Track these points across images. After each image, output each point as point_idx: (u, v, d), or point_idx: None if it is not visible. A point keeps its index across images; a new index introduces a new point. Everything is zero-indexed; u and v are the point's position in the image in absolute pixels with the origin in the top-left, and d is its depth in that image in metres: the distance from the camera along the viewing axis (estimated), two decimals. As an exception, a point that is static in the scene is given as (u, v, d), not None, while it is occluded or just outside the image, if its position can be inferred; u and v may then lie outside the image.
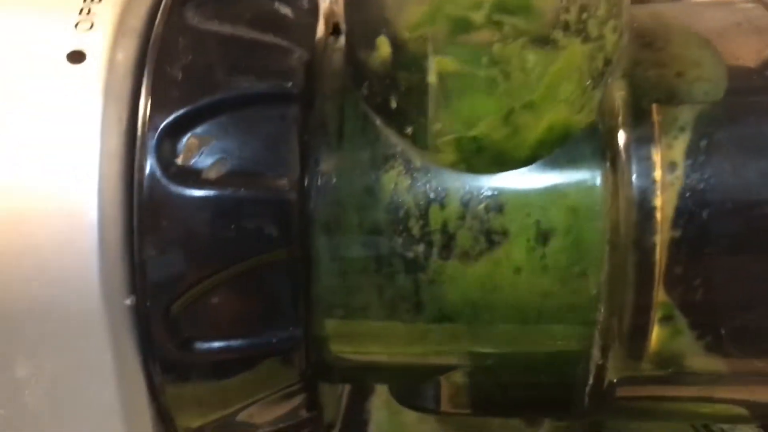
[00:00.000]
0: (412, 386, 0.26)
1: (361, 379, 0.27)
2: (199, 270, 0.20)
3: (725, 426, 0.32)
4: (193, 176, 0.20)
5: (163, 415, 0.22)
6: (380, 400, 0.34)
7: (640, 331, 0.22)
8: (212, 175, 0.20)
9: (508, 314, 0.23)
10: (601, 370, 0.23)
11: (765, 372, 0.23)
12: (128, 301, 0.20)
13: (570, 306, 0.22)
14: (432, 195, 0.22)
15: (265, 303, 0.21)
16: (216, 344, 0.21)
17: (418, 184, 0.23)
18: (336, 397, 0.28)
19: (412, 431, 0.32)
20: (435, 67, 0.21)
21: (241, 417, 0.23)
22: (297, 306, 0.22)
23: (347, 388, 0.35)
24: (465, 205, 0.22)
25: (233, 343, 0.21)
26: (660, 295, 0.21)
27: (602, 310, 0.22)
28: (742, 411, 0.25)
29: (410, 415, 0.33)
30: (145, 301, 0.20)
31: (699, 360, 0.22)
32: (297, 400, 0.24)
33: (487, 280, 0.22)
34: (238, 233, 0.20)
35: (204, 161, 0.20)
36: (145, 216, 0.20)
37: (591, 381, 0.23)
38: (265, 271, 0.21)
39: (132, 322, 0.21)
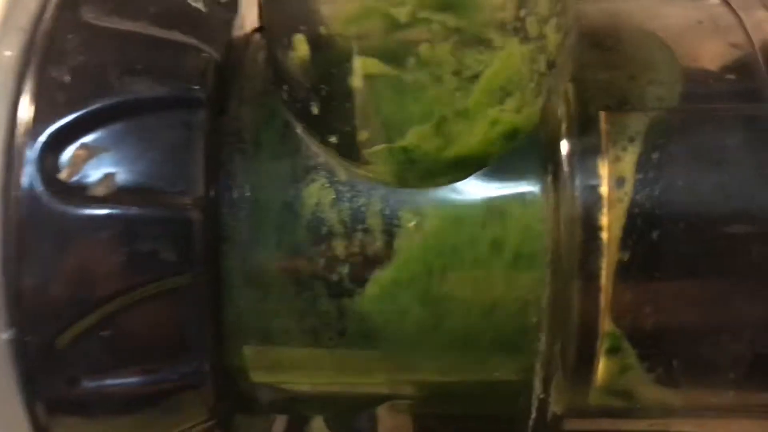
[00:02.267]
0: (346, 417, 0.24)
1: (288, 410, 0.25)
2: (87, 300, 0.18)
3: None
4: (79, 193, 0.18)
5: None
6: (321, 424, 0.32)
7: (585, 364, 0.20)
8: (100, 191, 0.18)
9: (440, 342, 0.21)
10: (543, 403, 0.21)
11: (719, 405, 0.21)
12: (6, 335, 0.18)
13: (508, 334, 0.20)
14: (358, 212, 0.20)
15: (166, 334, 0.19)
16: (109, 381, 0.18)
17: (343, 199, 0.20)
18: (266, 426, 0.26)
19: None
20: (360, 68, 0.19)
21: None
22: (203, 336, 0.19)
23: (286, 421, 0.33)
24: (394, 223, 0.20)
25: (129, 380, 0.18)
26: (606, 324, 0.19)
27: (543, 340, 0.20)
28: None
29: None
30: (25, 334, 0.18)
31: (650, 393, 0.20)
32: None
33: (418, 305, 0.20)
34: (131, 258, 0.18)
35: (92, 175, 0.18)
36: (23, 238, 0.18)
37: (534, 414, 0.21)
38: (163, 299, 0.18)
39: (12, 358, 0.18)
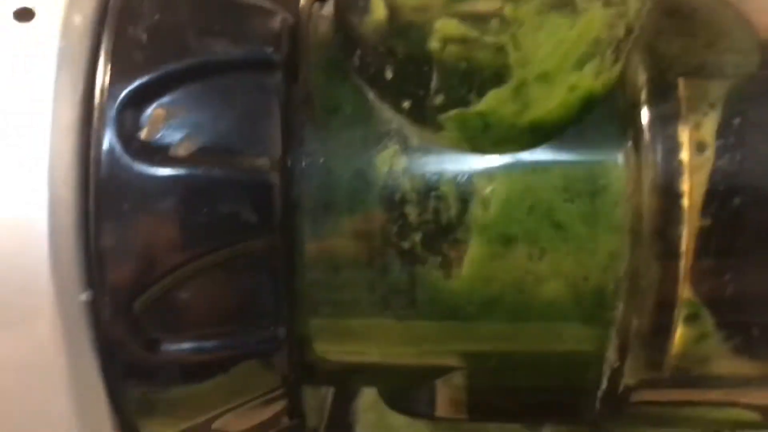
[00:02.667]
0: (405, 389, 0.24)
1: (349, 381, 0.25)
2: (167, 261, 0.18)
3: None
4: (159, 153, 0.17)
5: (126, 426, 0.20)
6: (367, 402, 0.31)
7: (662, 332, 0.20)
8: (181, 151, 0.18)
9: (514, 311, 0.20)
10: (616, 373, 0.21)
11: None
12: (84, 297, 0.18)
13: (585, 303, 0.20)
14: (431, 178, 0.20)
15: (243, 299, 0.18)
16: (186, 345, 0.18)
17: (416, 165, 0.20)
18: (320, 399, 0.26)
19: (401, 436, 0.30)
20: (440, 30, 0.19)
21: (216, 426, 0.20)
22: (279, 302, 0.19)
23: (332, 389, 0.33)
24: (468, 189, 0.20)
25: (206, 344, 0.18)
26: (685, 291, 0.19)
27: (620, 308, 0.20)
28: (755, 417, 0.23)
29: (399, 418, 0.31)
30: (103, 296, 0.18)
31: (726, 363, 0.20)
32: (277, 407, 0.21)
33: (492, 274, 0.20)
34: (212, 219, 0.17)
35: (172, 136, 0.18)
36: (103, 198, 0.17)
37: (604, 385, 0.21)
38: (242, 262, 0.18)
39: (89, 321, 0.18)
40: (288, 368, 0.20)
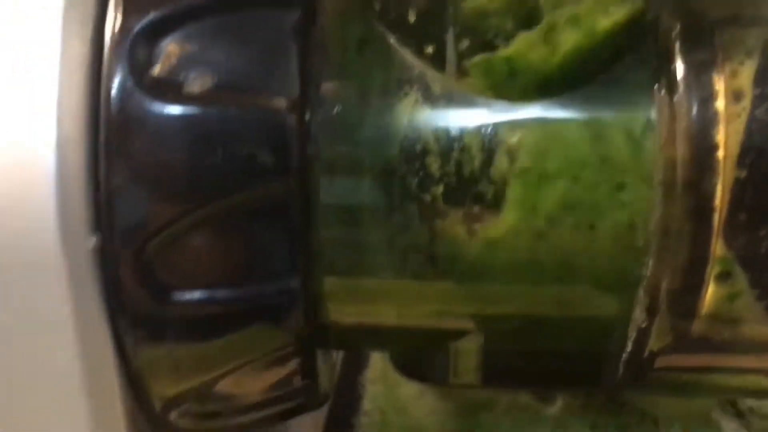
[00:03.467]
0: (418, 354, 0.23)
1: (361, 344, 0.24)
2: (180, 204, 0.17)
3: (753, 404, 0.29)
4: (173, 89, 0.17)
5: (133, 380, 0.19)
6: (375, 374, 0.31)
7: (693, 291, 0.19)
8: (196, 88, 0.17)
9: (538, 270, 0.20)
10: (643, 335, 0.20)
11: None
12: (92, 242, 0.17)
13: (613, 260, 0.19)
14: (455, 127, 0.19)
15: (258, 247, 0.17)
16: (198, 294, 0.17)
17: (439, 114, 0.19)
18: (330, 365, 0.25)
19: (410, 407, 0.29)
20: (465, -28, 0.18)
21: (226, 384, 0.20)
22: (295, 254, 0.18)
23: (340, 359, 0.32)
24: (493, 140, 0.19)
25: (218, 293, 0.17)
26: (718, 247, 0.18)
27: (650, 265, 0.19)
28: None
29: (408, 390, 0.30)
30: (112, 241, 0.17)
31: (757, 324, 0.19)
32: (290, 367, 0.20)
33: (516, 230, 0.19)
34: (227, 160, 0.17)
35: (186, 72, 0.17)
36: (114, 136, 0.17)
37: (629, 348, 0.20)
38: (258, 209, 0.17)
39: (96, 266, 0.17)
40: (302, 324, 0.19)
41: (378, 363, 0.31)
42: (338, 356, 0.31)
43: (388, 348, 0.23)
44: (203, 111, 0.17)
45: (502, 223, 0.19)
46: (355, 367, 0.31)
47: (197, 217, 0.17)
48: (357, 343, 0.23)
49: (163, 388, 0.19)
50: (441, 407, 0.29)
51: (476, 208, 0.19)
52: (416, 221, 0.20)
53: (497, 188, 0.19)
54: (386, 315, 0.22)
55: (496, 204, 0.19)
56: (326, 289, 0.20)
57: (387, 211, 0.19)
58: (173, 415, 0.20)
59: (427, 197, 0.19)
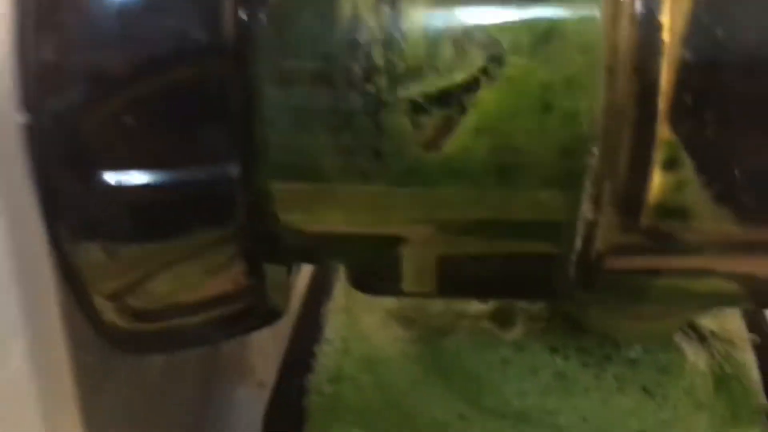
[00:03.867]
0: (370, 265, 0.23)
1: (311, 254, 0.24)
2: (111, 79, 0.16)
3: (715, 328, 0.29)
4: (103, -39, 0.16)
5: (68, 273, 0.18)
6: (338, 306, 0.30)
7: (639, 179, 0.19)
8: (127, -39, 0.16)
9: (486, 166, 0.19)
10: (591, 230, 0.20)
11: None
12: (20, 119, 0.17)
13: (559, 150, 0.19)
14: (401, 16, 0.19)
15: (193, 129, 0.17)
16: (129, 177, 0.17)
17: (384, 2, 0.19)
18: (285, 283, 0.25)
19: (373, 335, 0.29)
20: None
21: (165, 280, 0.19)
22: (234, 141, 0.18)
23: (303, 294, 0.32)
24: (440, 29, 0.19)
25: (151, 177, 0.17)
26: (664, 131, 0.18)
27: (596, 154, 0.19)
28: (740, 289, 0.22)
29: (371, 319, 0.30)
30: (42, 118, 0.17)
31: (706, 214, 0.19)
32: (235, 267, 0.20)
33: (463, 122, 0.19)
34: (158, 33, 0.16)
35: (117, -56, 0.16)
36: (42, 8, 0.16)
37: (579, 247, 0.20)
38: (193, 87, 0.17)
39: (25, 146, 0.17)
40: (244, 220, 0.19)
41: (341, 294, 0.31)
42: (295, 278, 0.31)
43: (339, 258, 0.23)
44: (134, -18, 0.16)
45: (448, 115, 0.19)
46: (317, 298, 0.31)
47: (129, 93, 0.17)
48: (306, 253, 0.23)
49: (99, 283, 0.19)
50: (403, 335, 0.29)
51: (421, 99, 0.19)
52: (360, 114, 0.19)
53: (443, 78, 0.19)
54: (333, 220, 0.21)
55: (441, 95, 0.19)
56: (271, 189, 0.20)
57: (330, 103, 0.19)
58: (111, 312, 0.19)
59: (371, 88, 0.19)
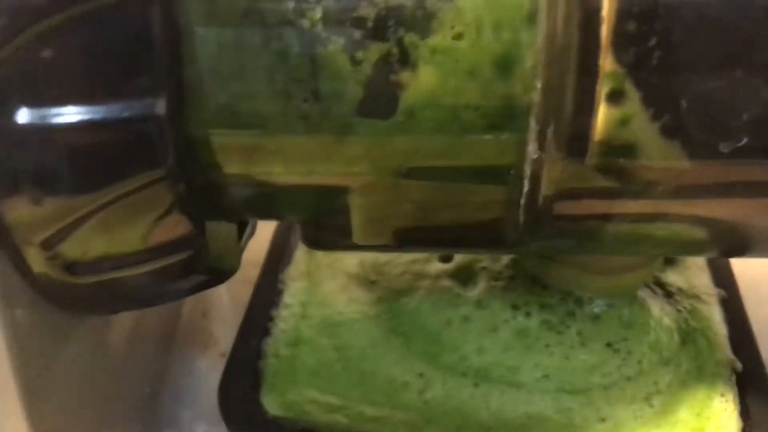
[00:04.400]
0: (319, 218, 0.22)
1: (258, 208, 0.23)
2: (25, 9, 0.16)
3: (682, 284, 0.28)
4: None
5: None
6: (298, 271, 0.30)
7: (584, 112, 0.18)
8: None
9: (422, 102, 0.19)
10: (537, 168, 0.19)
11: (728, 172, 0.19)
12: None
13: (501, 85, 0.18)
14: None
15: (114, 60, 0.16)
16: (50, 114, 0.16)
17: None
18: (232, 240, 0.24)
19: (332, 299, 0.28)
20: None
21: (96, 228, 0.18)
22: (159, 74, 0.17)
23: (263, 262, 0.31)
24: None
25: (76, 112, 0.16)
26: (608, 62, 0.17)
27: (538, 87, 0.18)
28: (700, 233, 0.21)
29: (331, 285, 0.29)
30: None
31: (654, 150, 0.18)
32: (171, 217, 0.19)
33: (399, 58, 0.18)
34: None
35: None
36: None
37: (526, 188, 0.20)
38: (111, 17, 0.16)
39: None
40: (174, 162, 0.18)
41: (302, 260, 0.30)
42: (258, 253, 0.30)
43: (286, 212, 0.22)
44: None
45: (386, 49, 0.18)
46: (277, 264, 0.30)
47: (44, 25, 0.16)
48: (252, 206, 0.22)
49: (27, 232, 0.18)
50: (363, 297, 0.28)
51: (357, 34, 0.18)
52: (295, 51, 0.19)
53: (379, 11, 0.18)
54: (276, 170, 0.20)
55: (377, 29, 0.18)
56: (209, 137, 0.19)
57: (262, 39, 0.18)
58: (42, 265, 0.19)
59: (305, 22, 0.18)
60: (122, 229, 0.19)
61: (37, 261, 0.19)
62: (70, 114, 0.17)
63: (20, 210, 0.18)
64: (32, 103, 0.16)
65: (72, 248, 0.19)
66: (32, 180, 0.17)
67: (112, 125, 0.17)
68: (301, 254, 0.30)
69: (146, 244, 0.19)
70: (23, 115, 0.16)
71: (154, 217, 0.19)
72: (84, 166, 0.17)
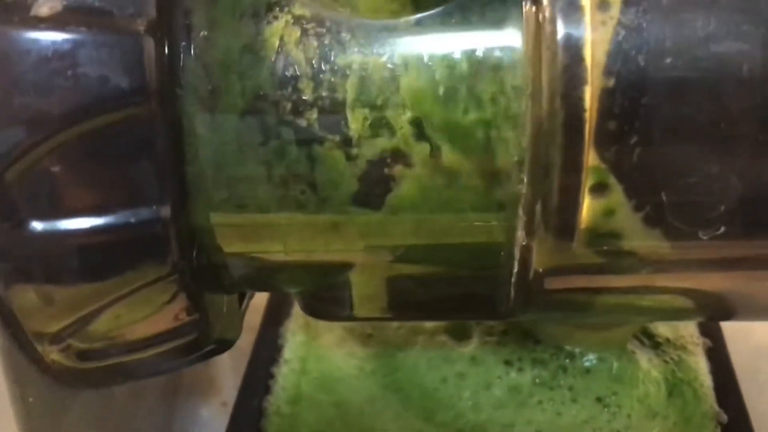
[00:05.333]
0: (319, 291, 0.23)
1: (260, 284, 0.24)
2: (33, 129, 0.16)
3: (669, 335, 0.29)
4: (20, 12, 0.16)
5: (7, 319, 0.18)
6: (297, 325, 0.31)
7: (569, 205, 0.19)
8: (44, 11, 0.16)
9: (414, 194, 0.19)
10: (526, 254, 0.20)
11: (708, 253, 0.20)
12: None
13: (489, 178, 0.19)
14: (327, 50, 0.19)
15: (121, 172, 0.17)
16: (60, 224, 0.17)
17: (310, 37, 0.19)
18: (233, 311, 0.25)
19: (330, 353, 0.29)
20: None
21: (106, 320, 0.19)
22: (164, 182, 0.18)
23: (262, 315, 0.32)
24: (366, 63, 0.19)
25: (80, 221, 0.17)
26: (591, 158, 0.18)
27: (525, 180, 0.19)
28: (686, 303, 0.22)
29: (329, 338, 0.30)
30: (-33, 170, 0.17)
31: (638, 237, 0.19)
32: (175, 303, 0.20)
33: (391, 155, 0.19)
34: (78, 83, 0.16)
35: (34, -6, 0.16)
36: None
37: (516, 269, 0.20)
38: (118, 134, 0.17)
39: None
40: (179, 257, 0.19)
41: (300, 314, 0.31)
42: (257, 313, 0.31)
43: (287, 285, 0.23)
44: (52, 35, 0.16)
45: (381, 151, 0.19)
46: (276, 318, 0.31)
47: (53, 143, 0.17)
48: (254, 282, 0.23)
49: (39, 326, 0.19)
50: (360, 351, 0.29)
51: (352, 132, 0.19)
52: (293, 148, 0.19)
53: (373, 112, 0.19)
54: (274, 251, 0.21)
55: (372, 130, 0.19)
56: (210, 223, 0.20)
57: (262, 138, 0.19)
58: (55, 354, 0.19)
59: (302, 122, 0.19)
60: (130, 321, 0.20)
61: (49, 351, 0.19)
62: (76, 222, 0.17)
63: (29, 306, 0.18)
64: (41, 215, 0.17)
65: (83, 340, 0.19)
66: (41, 281, 0.18)
67: (118, 230, 0.18)
68: (299, 308, 0.31)
69: (154, 330, 0.20)
70: (33, 225, 0.17)
71: (160, 307, 0.20)
72: (89, 269, 0.18)
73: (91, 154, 0.17)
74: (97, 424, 0.26)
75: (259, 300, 0.33)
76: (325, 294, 0.23)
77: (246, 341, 0.32)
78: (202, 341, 0.21)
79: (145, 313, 0.20)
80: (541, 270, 0.20)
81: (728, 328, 0.30)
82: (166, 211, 0.18)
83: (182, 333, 0.20)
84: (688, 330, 0.29)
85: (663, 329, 0.29)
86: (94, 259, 0.18)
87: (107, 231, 0.17)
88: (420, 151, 0.19)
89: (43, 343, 0.19)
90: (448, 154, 0.19)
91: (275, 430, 0.27)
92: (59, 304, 0.18)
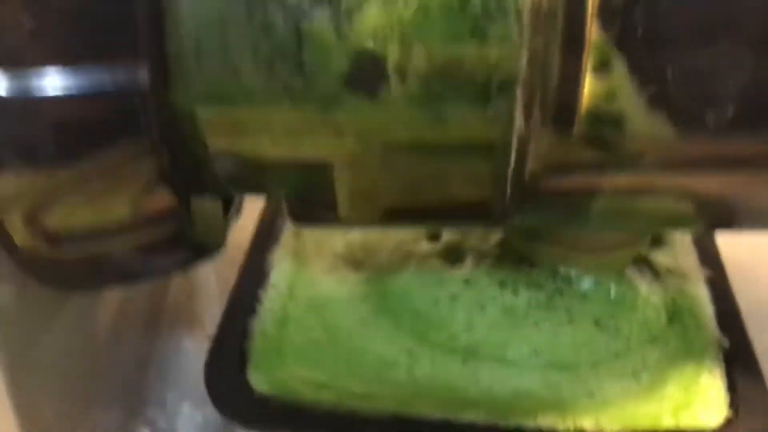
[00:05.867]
0: (305, 193, 0.22)
1: (243, 183, 0.23)
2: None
3: (670, 264, 0.28)
4: None
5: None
6: (285, 251, 0.30)
7: (570, 83, 0.18)
8: None
9: (414, 78, 0.18)
10: (525, 141, 0.19)
11: (713, 147, 0.19)
12: None
13: (489, 57, 0.18)
14: None
15: (99, 24, 0.16)
16: (31, 83, 0.16)
17: None
18: (217, 216, 0.24)
19: (319, 280, 0.28)
20: None
21: (83, 200, 0.18)
22: (142, 38, 0.17)
23: (249, 242, 0.31)
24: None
25: (56, 79, 0.16)
26: (594, 31, 0.17)
27: (524, 61, 0.18)
28: (686, 207, 0.21)
29: (318, 265, 0.29)
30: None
31: (641, 120, 0.18)
32: (154, 192, 0.19)
33: (383, 32, 0.18)
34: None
35: None
36: None
37: (513, 165, 0.19)
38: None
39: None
40: (157, 133, 0.18)
41: (289, 240, 0.30)
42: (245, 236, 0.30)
43: (272, 186, 0.22)
44: None
45: (372, 27, 0.18)
46: (264, 244, 0.30)
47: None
48: (238, 181, 0.22)
49: (8, 202, 0.18)
50: (351, 277, 0.28)
51: (343, 6, 0.18)
52: (280, 23, 0.18)
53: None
54: (262, 144, 0.20)
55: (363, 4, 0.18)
56: (189, 108, 0.19)
57: (247, 13, 0.18)
58: (25, 236, 0.18)
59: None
60: (105, 201, 0.19)
61: (19, 232, 0.19)
62: (52, 85, 0.16)
63: (1, 181, 0.18)
64: (13, 68, 0.16)
65: (54, 219, 0.18)
66: (13, 151, 0.17)
67: (95, 97, 0.17)
68: (288, 235, 0.30)
69: (130, 216, 0.19)
70: (4, 88, 0.16)
71: (138, 190, 0.19)
72: (66, 138, 0.17)
73: (64, 3, 0.16)
74: (74, 353, 0.25)
75: (246, 237, 0.32)
76: (311, 196, 0.22)
77: (231, 275, 0.31)
78: (183, 235, 0.20)
79: (121, 194, 0.19)
80: (538, 167, 0.20)
81: (728, 260, 0.29)
82: (143, 78, 0.17)
83: (161, 222, 0.19)
84: (689, 260, 0.29)
85: (662, 258, 0.29)
86: (67, 127, 0.17)
87: (81, 96, 0.16)
88: (418, 24, 0.18)
89: (13, 222, 0.18)
90: (445, 31, 0.18)
91: (260, 350, 0.26)
92: (29, 176, 0.17)
